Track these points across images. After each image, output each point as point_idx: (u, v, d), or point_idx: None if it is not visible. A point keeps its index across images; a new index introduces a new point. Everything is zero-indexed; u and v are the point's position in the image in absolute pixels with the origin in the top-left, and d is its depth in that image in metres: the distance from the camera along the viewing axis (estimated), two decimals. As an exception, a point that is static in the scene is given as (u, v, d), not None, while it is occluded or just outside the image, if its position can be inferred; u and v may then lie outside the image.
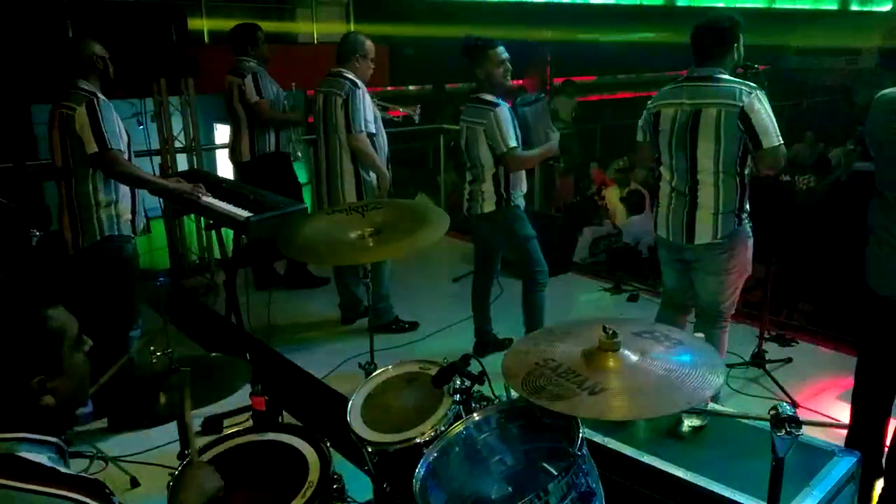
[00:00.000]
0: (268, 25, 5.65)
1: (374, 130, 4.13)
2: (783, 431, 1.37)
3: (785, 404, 1.39)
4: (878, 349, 2.66)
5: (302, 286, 5.18)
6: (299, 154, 5.08)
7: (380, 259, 3.83)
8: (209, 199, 3.42)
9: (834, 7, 15.28)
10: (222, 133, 6.98)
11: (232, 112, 4.85)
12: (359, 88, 4.06)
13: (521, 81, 11.72)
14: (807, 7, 14.76)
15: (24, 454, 1.16)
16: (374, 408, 2.09)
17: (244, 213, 3.14)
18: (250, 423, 2.57)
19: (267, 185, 4.39)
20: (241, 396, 2.42)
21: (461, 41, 3.75)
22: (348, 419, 2.02)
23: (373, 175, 4.20)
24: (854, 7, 15.88)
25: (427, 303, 4.95)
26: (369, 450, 1.97)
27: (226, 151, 6.07)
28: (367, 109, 4.08)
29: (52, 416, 1.22)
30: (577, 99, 10.99)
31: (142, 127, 5.26)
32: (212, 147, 6.58)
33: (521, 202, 3.81)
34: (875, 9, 16.30)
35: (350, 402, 2.08)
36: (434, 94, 9.74)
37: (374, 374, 2.23)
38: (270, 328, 4.14)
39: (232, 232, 3.52)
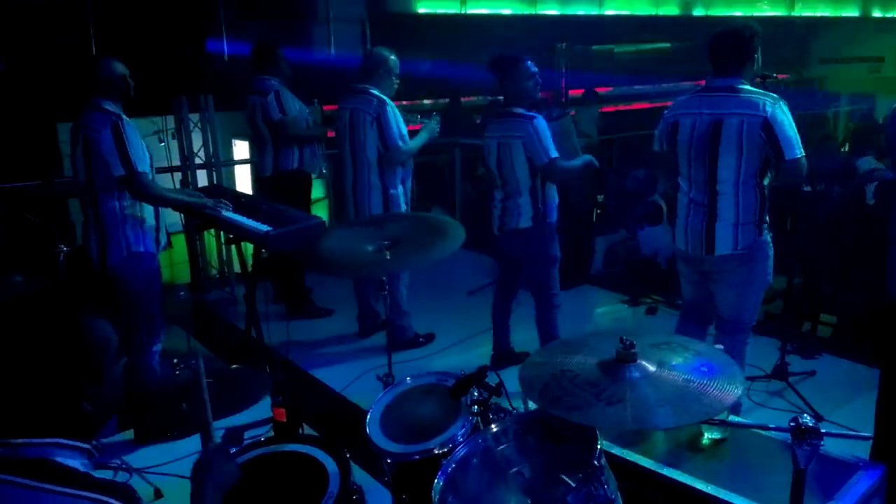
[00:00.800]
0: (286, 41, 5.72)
1: (406, 146, 4.15)
2: (804, 443, 1.35)
3: (806, 415, 1.38)
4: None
5: (302, 317, 4.95)
6: (324, 171, 5.10)
7: (396, 271, 3.84)
8: (229, 214, 3.46)
9: (855, 14, 15.13)
10: (241, 149, 7.08)
11: (255, 129, 4.88)
12: (388, 105, 4.07)
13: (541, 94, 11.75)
14: (827, 14, 14.63)
15: (59, 459, 1.19)
16: (393, 419, 2.10)
17: (264, 228, 3.18)
18: (271, 434, 2.59)
19: (282, 200, 4.45)
20: (262, 409, 2.44)
21: (487, 56, 3.74)
22: (367, 430, 2.03)
23: (399, 189, 4.21)
24: (876, 13, 15.71)
25: (443, 315, 4.96)
26: (388, 461, 1.98)
27: (245, 167, 6.16)
28: (401, 124, 4.11)
29: (88, 423, 1.28)
30: (600, 109, 10.98)
31: (163, 144, 5.35)
32: (231, 163, 6.66)
33: (555, 219, 3.79)
34: (897, 16, 16.13)
35: (369, 414, 2.10)
36: (450, 108, 9.77)
37: (391, 385, 2.24)
38: (290, 341, 4.17)
39: (252, 246, 3.56)
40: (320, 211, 6.34)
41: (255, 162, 5.05)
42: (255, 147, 5.06)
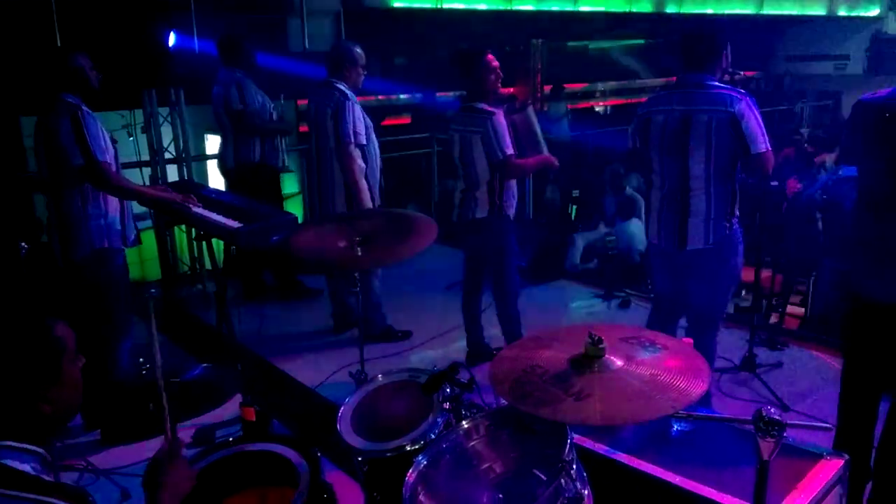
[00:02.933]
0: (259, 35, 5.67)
1: (364, 141, 4.13)
2: (767, 435, 1.38)
3: (769, 407, 1.40)
4: (863, 352, 2.68)
5: (294, 297, 5.16)
6: (286, 164, 5.08)
7: (368, 267, 3.84)
8: (199, 210, 3.42)
9: (822, 12, 15.38)
10: (213, 143, 6.99)
11: (219, 121, 4.89)
12: (348, 100, 4.06)
13: (511, 90, 11.79)
14: (794, 12, 14.85)
15: (8, 462, 1.17)
16: (365, 416, 2.09)
17: (234, 224, 3.14)
18: (241, 433, 2.56)
19: (248, 194, 4.42)
20: (232, 408, 2.42)
21: (452, 51, 3.80)
22: (338, 427, 2.02)
23: (363, 185, 4.17)
24: (842, 12, 15.99)
25: (419, 311, 4.96)
26: (359, 458, 1.97)
27: (216, 162, 6.08)
28: (358, 121, 4.08)
29: (47, 425, 1.26)
30: (568, 105, 11.05)
31: (132, 138, 5.26)
32: (202, 157, 6.58)
33: (512, 213, 3.82)
34: (862, 14, 16.44)
35: (340, 411, 2.09)
36: (424, 104, 9.77)
37: (364, 382, 2.23)
38: (263, 338, 4.13)
39: (223, 242, 3.52)
40: (295, 206, 6.29)
41: (218, 156, 5.01)
42: (221, 140, 5.03)
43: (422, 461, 1.76)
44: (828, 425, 1.70)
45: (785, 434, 1.38)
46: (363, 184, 4.11)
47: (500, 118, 3.63)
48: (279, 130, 5.00)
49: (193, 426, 3.17)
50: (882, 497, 2.62)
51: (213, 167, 6.52)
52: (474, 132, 3.66)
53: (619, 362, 1.57)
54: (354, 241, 2.37)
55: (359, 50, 4.20)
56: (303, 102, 5.02)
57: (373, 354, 4.17)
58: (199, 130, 7.13)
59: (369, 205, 4.13)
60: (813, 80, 15.06)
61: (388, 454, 1.93)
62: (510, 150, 3.61)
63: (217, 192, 4.10)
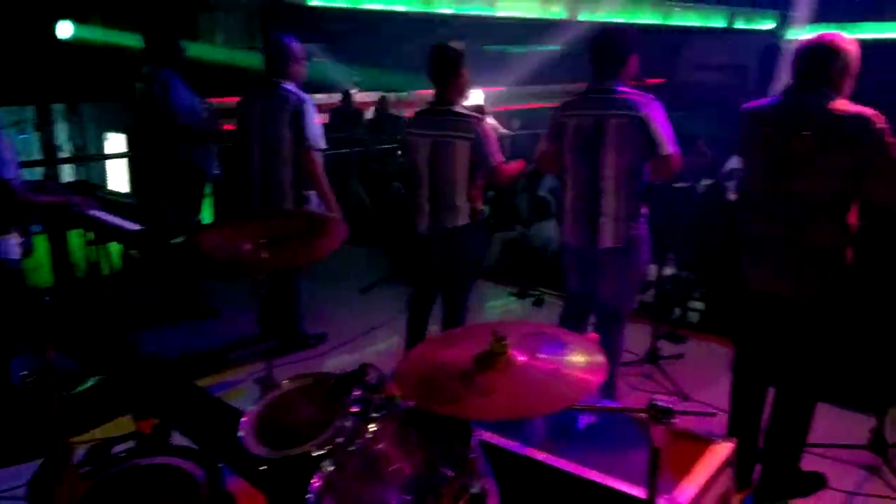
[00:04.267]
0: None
1: (325, 145, 4.01)
2: (658, 422, 1.43)
3: (661, 396, 1.46)
4: (750, 340, 2.85)
5: (185, 318, 4.75)
6: (217, 170, 4.87)
7: (274, 270, 3.71)
8: (96, 212, 3.26)
9: (722, 24, 16.25)
10: (116, 142, 6.69)
11: (144, 120, 4.67)
12: (306, 102, 3.91)
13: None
14: (697, 23, 15.62)
15: None
16: (269, 423, 2.04)
17: (133, 226, 3.01)
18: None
19: (172, 195, 4.22)
20: (127, 421, 2.32)
21: (432, 47, 3.45)
22: (240, 436, 1.96)
23: (311, 192, 4.04)
24: (740, 25, 16.96)
25: (335, 315, 4.90)
26: (263, 467, 1.92)
27: (120, 161, 5.83)
28: (318, 124, 3.96)
29: None
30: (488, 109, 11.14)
31: (24, 136, 4.97)
32: (103, 157, 6.26)
33: (486, 213, 3.72)
34: (758, 27, 17.49)
35: (242, 419, 2.03)
36: (343, 105, 9.66)
37: (269, 388, 2.18)
38: (170, 347, 3.97)
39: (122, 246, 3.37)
40: (205, 209, 6.08)
41: (140, 155, 4.78)
42: (142, 139, 4.78)
43: (328, 466, 1.74)
44: (713, 412, 1.78)
45: (675, 420, 1.43)
46: (329, 187, 4.00)
47: (488, 124, 3.50)
48: (212, 132, 4.77)
49: (86, 441, 3.00)
50: (769, 477, 2.79)
51: (114, 167, 6.24)
52: (459, 138, 3.39)
53: (522, 358, 1.59)
54: (260, 242, 2.31)
55: (298, 44, 4.02)
56: (219, 101, 4.82)
57: (287, 360, 4.10)
58: (99, 128, 6.79)
59: (337, 210, 4.00)
60: (716, 87, 15.83)
61: (293, 461, 1.89)
62: (501, 157, 3.46)
63: (117, 193, 3.92)
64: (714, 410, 2.04)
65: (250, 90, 4.10)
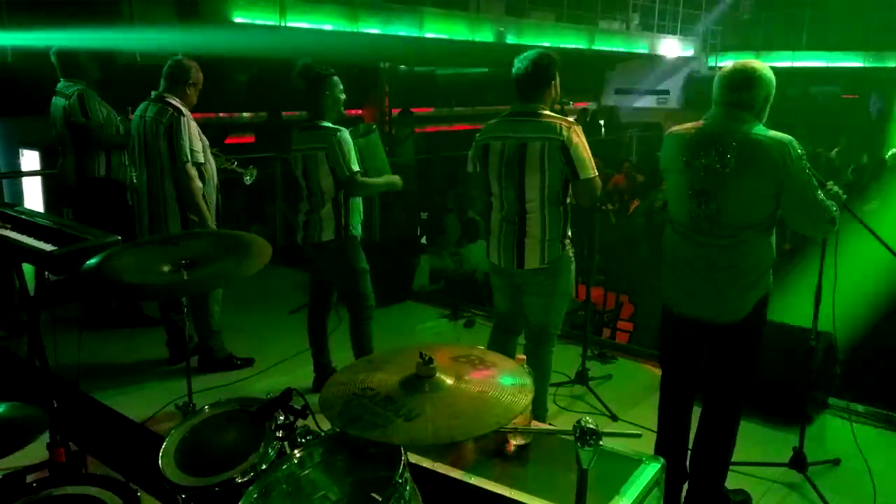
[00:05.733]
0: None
1: (202, 160, 3.96)
2: (585, 444, 1.45)
3: (588, 418, 1.48)
4: (676, 361, 2.92)
5: (128, 325, 4.82)
6: (135, 181, 4.73)
7: (196, 292, 3.62)
8: (6, 232, 3.08)
9: (645, 50, 16.92)
10: (30, 159, 6.38)
11: (58, 135, 4.56)
12: (183, 116, 3.88)
13: (358, 111, 11.82)
14: (622, 49, 16.21)
15: None
16: (191, 450, 1.96)
17: (47, 247, 2.85)
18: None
19: (94, 212, 4.08)
20: (39, 449, 2.19)
21: (298, 68, 3.69)
22: (160, 464, 1.88)
23: (203, 206, 3.97)
24: (662, 51, 17.69)
25: (262, 337, 4.79)
26: (183, 496, 1.84)
27: (35, 179, 5.59)
28: (194, 138, 3.91)
29: None
30: (416, 129, 11.24)
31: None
32: (15, 174, 5.97)
33: (359, 232, 3.80)
34: (680, 53, 18.30)
35: (162, 447, 1.94)
36: (269, 122, 9.53)
37: (190, 414, 2.10)
38: (88, 371, 3.78)
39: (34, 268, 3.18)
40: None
41: (56, 172, 4.63)
42: (59, 154, 4.65)
43: (252, 493, 1.68)
44: (638, 433, 1.82)
45: (601, 443, 1.45)
46: (203, 204, 3.94)
47: (347, 135, 3.62)
48: (124, 145, 4.62)
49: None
50: (696, 496, 2.85)
51: (28, 185, 5.94)
52: (318, 149, 3.62)
53: (449, 381, 1.59)
54: (180, 264, 2.24)
55: (197, 69, 4.04)
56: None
57: (212, 384, 3.97)
58: (12, 144, 6.46)
59: (213, 226, 3.95)
60: (639, 113, 16.48)
61: (216, 489, 1.82)
62: (356, 167, 3.61)
63: (29, 211, 3.71)
64: (640, 431, 2.08)
65: (142, 105, 4.06)
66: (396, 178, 3.89)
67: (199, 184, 3.93)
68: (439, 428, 1.45)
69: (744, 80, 2.56)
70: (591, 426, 1.44)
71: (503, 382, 1.59)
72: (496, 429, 1.46)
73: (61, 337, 3.31)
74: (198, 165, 3.93)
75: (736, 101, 2.57)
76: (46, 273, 3.12)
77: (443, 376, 1.58)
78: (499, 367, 1.66)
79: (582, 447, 1.45)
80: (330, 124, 3.65)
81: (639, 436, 1.75)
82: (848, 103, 16.98)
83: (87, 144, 4.49)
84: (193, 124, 3.93)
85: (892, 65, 15.49)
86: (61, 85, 4.54)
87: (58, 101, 4.50)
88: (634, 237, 6.24)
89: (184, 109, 3.92)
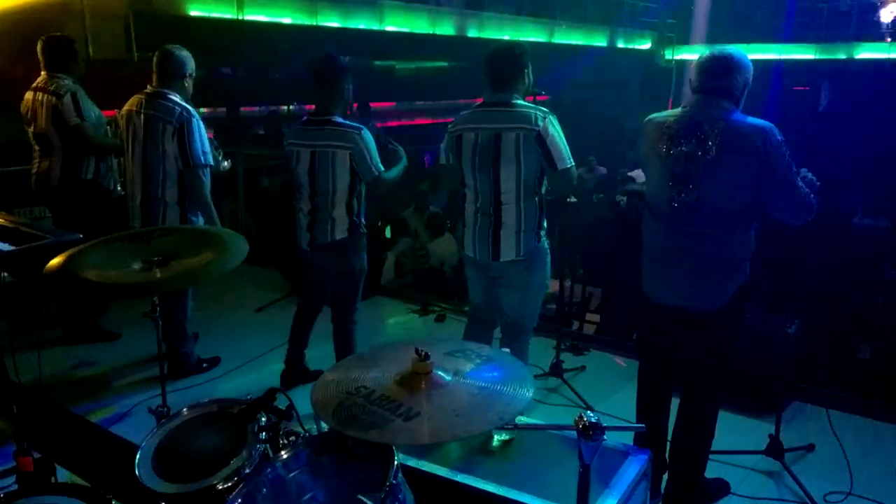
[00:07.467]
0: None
1: (211, 161, 3.82)
2: (589, 439, 1.42)
3: (589, 413, 1.45)
4: (654, 352, 2.93)
5: (85, 340, 4.54)
6: (119, 188, 4.53)
7: (167, 291, 3.49)
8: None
9: (604, 43, 17.10)
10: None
11: (40, 134, 4.26)
12: (194, 117, 3.71)
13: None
14: (581, 42, 16.35)
15: None
16: (168, 456, 1.87)
17: (3, 246, 2.71)
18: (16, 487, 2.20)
19: (78, 214, 3.95)
20: (4, 458, 2.08)
21: (319, 57, 3.55)
22: (137, 472, 1.79)
23: (198, 214, 3.85)
24: (620, 44, 17.93)
25: (229, 336, 4.67)
26: (162, 503, 1.76)
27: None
28: (204, 140, 3.77)
29: None
30: (377, 125, 11.14)
31: None
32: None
33: (365, 230, 3.70)
34: (637, 46, 18.57)
35: (138, 453, 1.85)
36: (228, 119, 9.32)
37: (167, 418, 2.01)
38: (52, 376, 3.64)
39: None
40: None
41: (37, 170, 4.36)
42: (35, 153, 4.37)
43: (236, 499, 1.61)
44: (641, 425, 1.80)
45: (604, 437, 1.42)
46: (212, 204, 3.84)
47: (369, 134, 3.50)
48: (117, 149, 4.36)
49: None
50: (677, 486, 2.87)
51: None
52: (339, 147, 3.44)
53: (448, 377, 1.54)
54: (152, 261, 2.13)
55: (188, 55, 3.85)
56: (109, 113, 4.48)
57: (179, 386, 3.86)
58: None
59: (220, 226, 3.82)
60: (599, 104, 16.61)
61: (196, 496, 1.74)
62: (382, 167, 3.52)
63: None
64: (633, 422, 2.10)
65: (136, 100, 3.85)
66: (403, 162, 3.74)
67: (209, 184, 3.81)
68: (440, 426, 1.41)
69: (724, 66, 2.56)
70: (594, 421, 1.41)
71: (502, 377, 1.55)
72: (500, 426, 1.42)
73: (22, 341, 3.18)
74: (208, 167, 3.80)
75: (716, 88, 2.57)
76: (4, 273, 2.97)
77: (441, 373, 1.54)
78: (496, 360, 1.62)
79: (585, 442, 1.42)
80: (347, 121, 3.50)
81: (643, 428, 1.72)
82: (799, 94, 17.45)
83: (78, 146, 4.23)
84: (202, 125, 3.79)
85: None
86: (44, 79, 4.23)
87: (45, 98, 4.18)
88: (601, 228, 6.27)
89: (190, 108, 3.75)
